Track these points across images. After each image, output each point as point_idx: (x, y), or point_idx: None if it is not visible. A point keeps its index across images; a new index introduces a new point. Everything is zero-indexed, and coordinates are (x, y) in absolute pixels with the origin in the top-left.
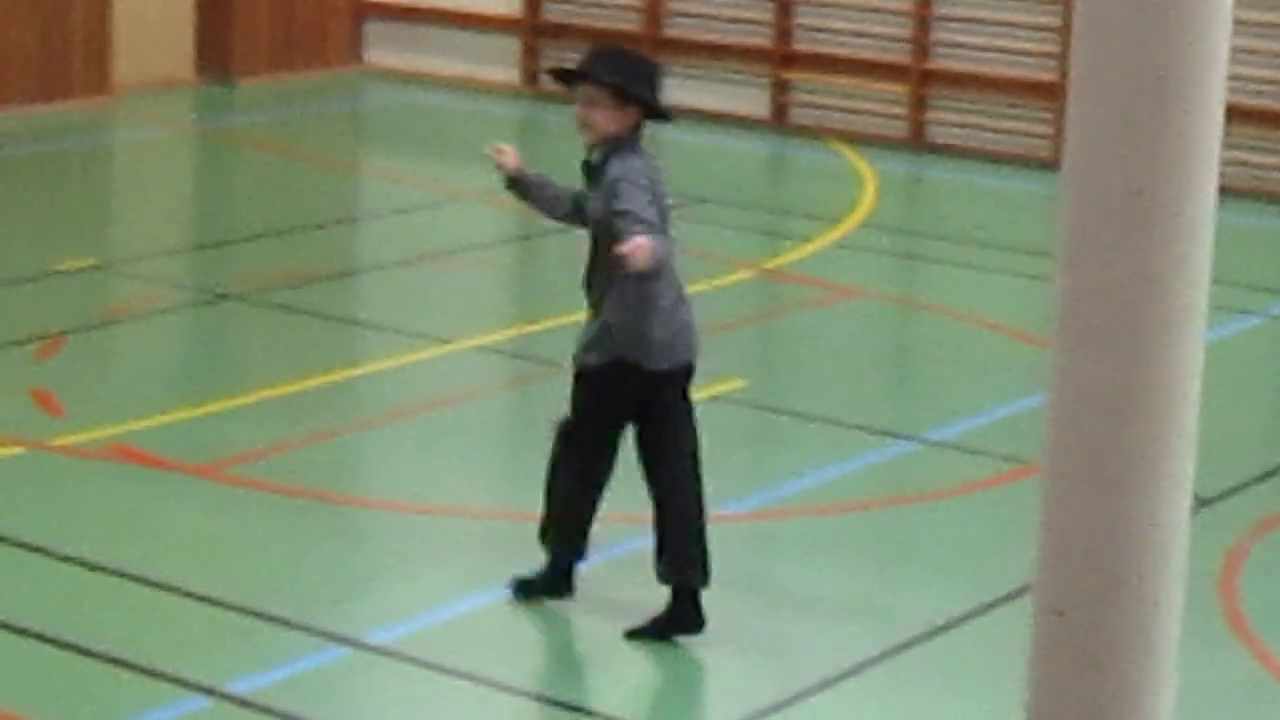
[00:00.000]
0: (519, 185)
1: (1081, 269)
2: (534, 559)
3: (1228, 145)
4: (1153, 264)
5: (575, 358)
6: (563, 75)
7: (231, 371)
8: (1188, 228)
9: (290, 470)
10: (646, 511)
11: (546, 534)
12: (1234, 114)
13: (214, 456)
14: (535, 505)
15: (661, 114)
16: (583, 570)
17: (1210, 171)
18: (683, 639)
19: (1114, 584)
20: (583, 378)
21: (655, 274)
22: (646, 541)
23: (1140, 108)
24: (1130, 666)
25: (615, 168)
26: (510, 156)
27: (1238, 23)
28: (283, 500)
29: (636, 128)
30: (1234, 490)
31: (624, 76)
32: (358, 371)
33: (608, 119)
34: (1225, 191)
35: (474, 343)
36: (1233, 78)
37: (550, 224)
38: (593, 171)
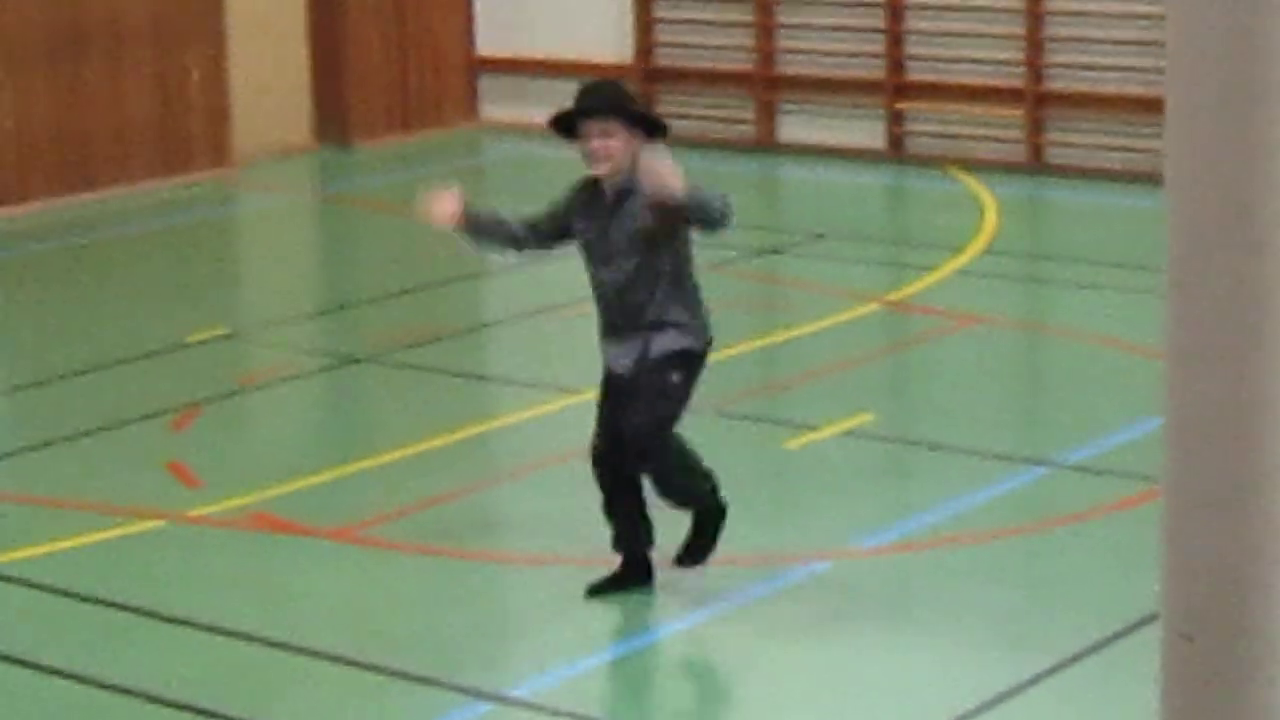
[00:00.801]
0: (470, 227)
1: (1187, 288)
2: (666, 606)
3: None
4: (1259, 280)
5: (666, 353)
6: (565, 119)
7: (364, 433)
8: None
9: (427, 528)
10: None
11: (620, 541)
12: None
13: (351, 519)
14: (668, 553)
15: (662, 128)
16: (715, 617)
17: None
18: (835, 672)
19: (1241, 605)
20: (682, 365)
21: (691, 258)
22: (770, 587)
23: (1239, 122)
24: (1263, 689)
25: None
26: (447, 206)
27: None
28: (421, 559)
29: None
30: None
31: (628, 102)
32: (488, 426)
33: (625, 146)
34: None
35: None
36: None
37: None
38: (622, 195)
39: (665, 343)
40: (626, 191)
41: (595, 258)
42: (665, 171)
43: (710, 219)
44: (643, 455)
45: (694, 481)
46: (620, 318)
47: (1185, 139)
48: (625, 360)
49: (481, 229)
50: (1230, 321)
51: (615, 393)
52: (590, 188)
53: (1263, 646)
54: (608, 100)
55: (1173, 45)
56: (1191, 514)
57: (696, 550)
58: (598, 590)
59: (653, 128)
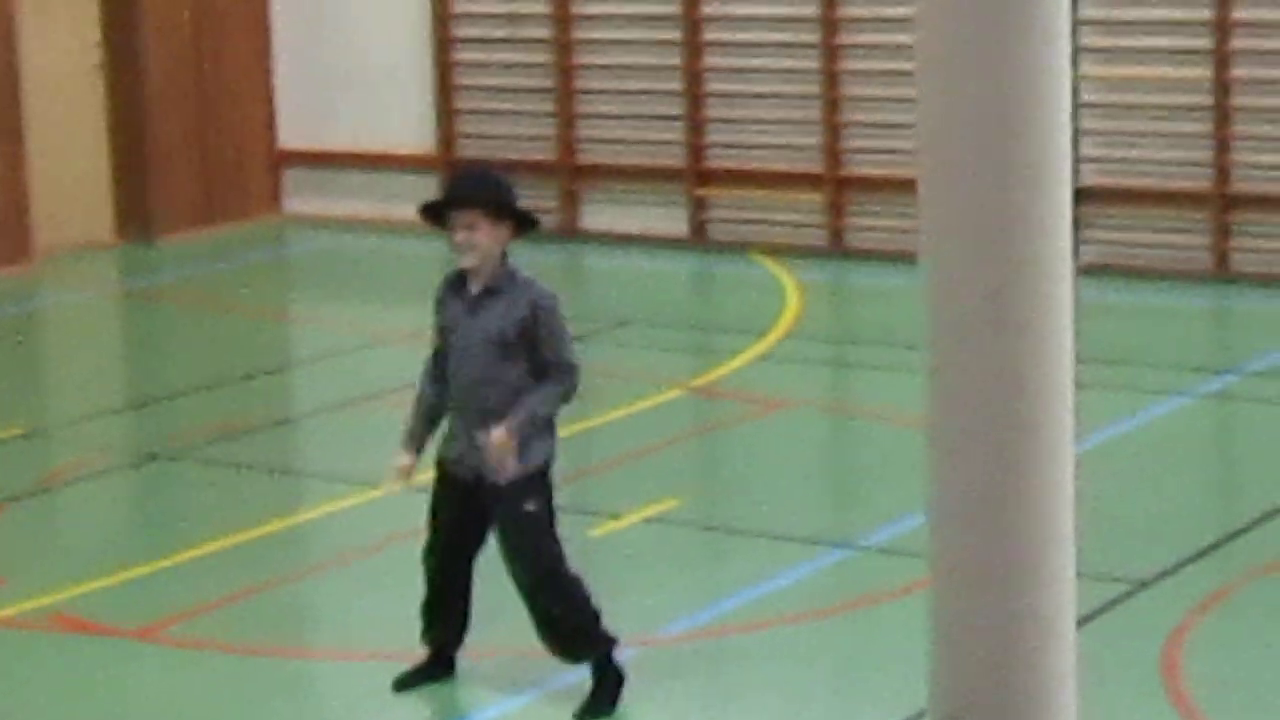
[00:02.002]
0: (424, 443)
1: (946, 372)
2: (480, 693)
3: (1146, 228)
4: (1015, 362)
5: (512, 481)
6: (434, 208)
7: (169, 530)
8: (1046, 325)
9: (234, 625)
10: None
11: (434, 637)
12: (1148, 197)
13: (156, 617)
14: (485, 642)
15: (532, 222)
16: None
17: (1065, 270)
18: None
19: (1006, 686)
20: (533, 490)
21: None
22: (578, 674)
23: (991, 204)
24: None
25: (532, 292)
26: (403, 469)
27: (1127, 106)
28: (228, 657)
29: (516, 237)
30: (1172, 571)
31: (497, 193)
32: (295, 520)
33: (492, 238)
34: (1151, 274)
35: (409, 483)
36: (1139, 160)
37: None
38: (486, 294)
39: (520, 441)
40: (493, 291)
41: (452, 348)
42: (494, 455)
43: (546, 423)
44: (548, 597)
45: (591, 626)
46: (468, 415)
47: (939, 222)
48: (466, 461)
49: (431, 429)
50: (988, 404)
51: (453, 487)
52: (459, 279)
53: None
54: (472, 191)
55: (922, 127)
56: (957, 596)
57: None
58: (404, 683)
59: (522, 221)
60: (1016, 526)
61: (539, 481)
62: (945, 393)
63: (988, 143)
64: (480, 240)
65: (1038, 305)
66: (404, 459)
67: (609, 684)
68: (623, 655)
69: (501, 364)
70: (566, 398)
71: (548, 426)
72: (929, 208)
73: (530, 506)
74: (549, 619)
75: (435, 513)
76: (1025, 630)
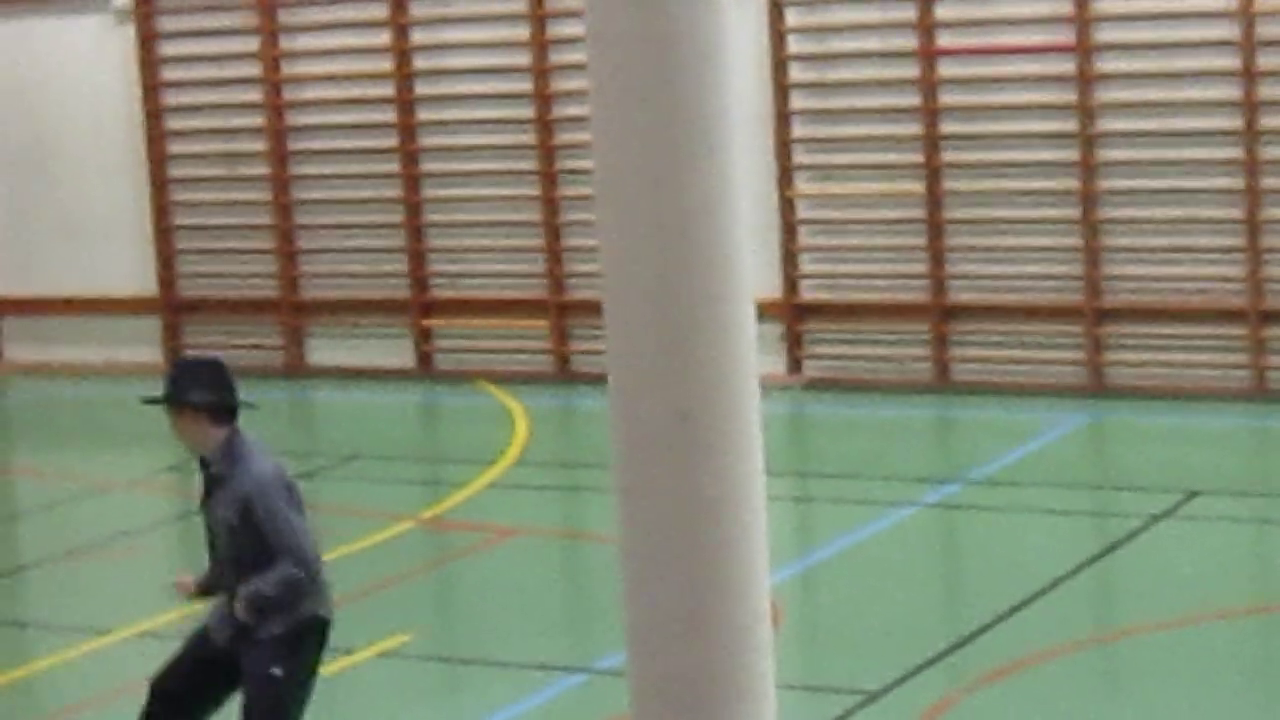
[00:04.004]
0: (205, 590)
1: (635, 494)
2: None
3: (868, 341)
4: (702, 484)
5: (243, 633)
6: (149, 401)
7: None
8: (734, 444)
9: None
10: None
11: None
12: (869, 310)
13: None
14: None
15: (226, 411)
16: None
17: (752, 390)
18: None
19: None
20: (282, 653)
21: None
22: None
23: (675, 330)
24: None
25: (244, 480)
26: (182, 584)
27: (843, 222)
28: None
29: (227, 427)
30: (902, 680)
31: (188, 392)
32: (21, 673)
33: (196, 431)
34: (874, 386)
35: (136, 629)
36: (858, 275)
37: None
38: (217, 480)
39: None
40: (221, 477)
41: (205, 520)
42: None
43: (275, 606)
44: None
45: None
46: (218, 583)
47: (624, 344)
48: (218, 625)
49: (213, 586)
50: (676, 523)
51: (204, 646)
52: (205, 460)
53: None
54: (167, 390)
55: (605, 249)
56: (656, 714)
57: None
58: None
59: (218, 412)
60: (712, 644)
61: (290, 645)
62: (636, 514)
63: (667, 263)
64: (183, 434)
65: (726, 425)
66: (187, 576)
67: None
68: None
69: (238, 549)
70: (294, 582)
71: (303, 592)
72: (614, 329)
73: (276, 671)
74: None
75: (180, 657)
76: None
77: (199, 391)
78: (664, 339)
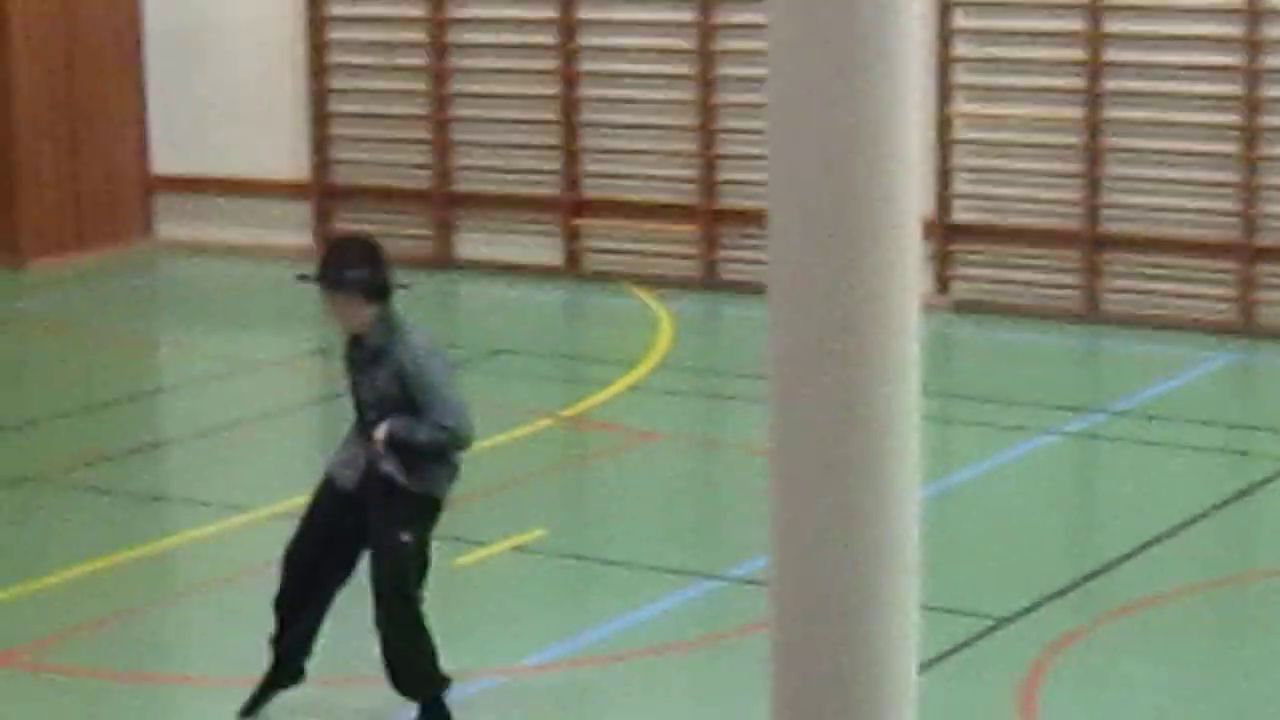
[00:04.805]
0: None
1: (790, 405)
2: None
3: (1017, 266)
4: (858, 399)
5: (404, 481)
6: (302, 279)
7: (33, 555)
8: (893, 361)
9: (97, 652)
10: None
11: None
12: (1020, 235)
13: (15, 643)
14: (348, 669)
15: (389, 287)
16: None
17: (912, 305)
18: None
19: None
20: (411, 521)
21: None
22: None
23: (838, 242)
24: None
25: (403, 352)
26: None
27: (1000, 144)
28: (89, 683)
29: (382, 306)
30: (1032, 608)
31: (343, 272)
32: (160, 546)
33: (347, 312)
34: (1022, 312)
35: (273, 510)
36: (1012, 198)
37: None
38: (373, 355)
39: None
40: (378, 351)
41: (355, 399)
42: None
43: (426, 452)
44: (395, 629)
45: (428, 667)
46: (362, 436)
47: (787, 255)
48: (343, 466)
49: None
50: (831, 437)
51: (330, 503)
52: (357, 337)
53: None
54: (322, 269)
55: (773, 160)
56: (796, 627)
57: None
58: (252, 706)
59: (373, 292)
60: (857, 558)
61: (421, 513)
62: (788, 423)
63: (835, 175)
64: (338, 313)
65: (886, 339)
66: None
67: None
68: (472, 689)
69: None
70: (443, 442)
71: (441, 462)
72: (777, 238)
73: (405, 537)
74: (391, 651)
75: (309, 518)
76: (866, 663)
77: (355, 270)
78: (828, 249)
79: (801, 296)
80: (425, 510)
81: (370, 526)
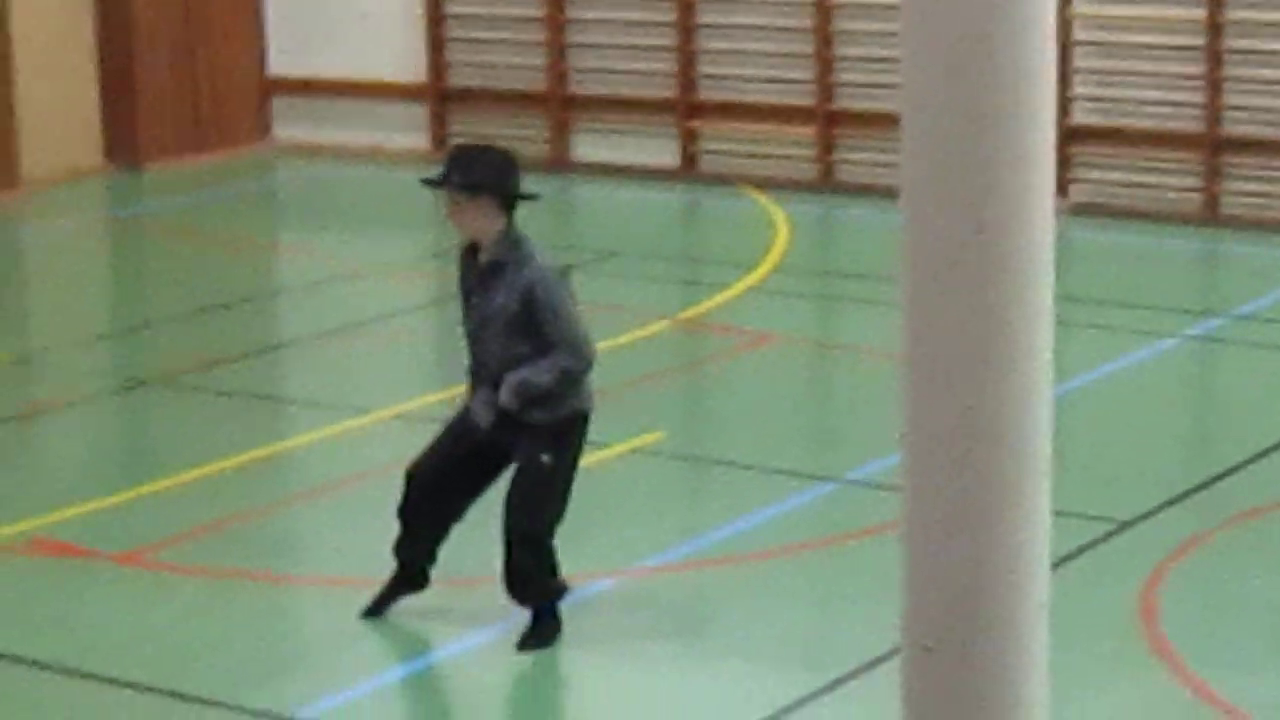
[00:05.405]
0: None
1: (923, 307)
2: (450, 626)
3: (1136, 169)
4: (993, 300)
5: (507, 419)
6: (429, 183)
7: (152, 457)
8: (1027, 262)
9: (216, 552)
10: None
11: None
12: (1140, 138)
13: (138, 543)
14: (464, 572)
15: (523, 199)
16: (501, 636)
17: (1046, 206)
18: (625, 690)
19: (976, 618)
20: (552, 442)
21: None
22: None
23: (974, 140)
24: (997, 701)
25: (529, 269)
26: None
27: (1120, 45)
28: (209, 582)
29: (509, 216)
30: (1152, 513)
31: (477, 176)
32: (279, 448)
33: (475, 219)
34: (1141, 215)
35: (393, 412)
36: (1131, 100)
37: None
38: (492, 268)
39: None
40: (498, 265)
41: (466, 314)
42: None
43: (543, 396)
44: (522, 550)
45: (548, 579)
46: (481, 373)
47: (921, 156)
48: (481, 407)
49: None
50: (965, 339)
51: (466, 434)
52: (472, 249)
53: (997, 656)
54: (452, 173)
55: (906, 63)
56: (929, 528)
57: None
58: (376, 607)
59: (505, 200)
60: (988, 463)
61: (560, 434)
62: (922, 326)
63: (970, 77)
64: (464, 220)
65: (1020, 241)
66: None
67: (543, 629)
68: (590, 590)
69: (510, 339)
70: (569, 374)
71: (574, 384)
72: (910, 141)
73: (545, 458)
74: (514, 565)
75: (437, 444)
76: (998, 564)
77: (488, 177)
78: (963, 152)
79: (936, 196)
80: (566, 429)
81: (512, 452)
